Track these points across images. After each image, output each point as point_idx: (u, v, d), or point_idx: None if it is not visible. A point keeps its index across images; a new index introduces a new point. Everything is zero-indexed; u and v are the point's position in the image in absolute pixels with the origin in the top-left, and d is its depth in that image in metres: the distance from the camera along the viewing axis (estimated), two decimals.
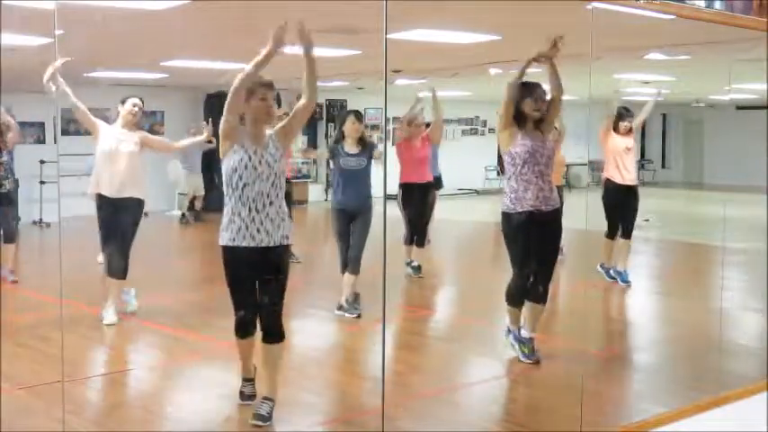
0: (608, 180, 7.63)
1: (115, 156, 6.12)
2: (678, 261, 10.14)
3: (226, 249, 4.05)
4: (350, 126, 6.44)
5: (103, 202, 6.15)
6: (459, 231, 11.64)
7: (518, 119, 5.11)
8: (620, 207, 7.63)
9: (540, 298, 5.20)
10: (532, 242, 5.11)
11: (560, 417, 4.38)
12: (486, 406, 4.77)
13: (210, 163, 12.25)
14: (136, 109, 6.27)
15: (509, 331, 5.30)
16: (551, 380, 5.12)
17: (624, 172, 7.54)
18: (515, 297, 5.24)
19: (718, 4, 4.75)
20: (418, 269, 7.97)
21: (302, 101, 4.19)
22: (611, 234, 7.74)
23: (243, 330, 4.19)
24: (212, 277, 8.59)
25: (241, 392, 4.37)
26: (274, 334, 4.14)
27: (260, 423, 4.08)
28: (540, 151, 5.07)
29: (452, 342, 6.11)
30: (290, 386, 4.92)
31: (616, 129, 7.59)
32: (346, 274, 6.42)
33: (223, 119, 4.02)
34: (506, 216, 5.13)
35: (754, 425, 4.20)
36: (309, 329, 6.30)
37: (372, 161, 6.48)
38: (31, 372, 4.95)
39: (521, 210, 5.05)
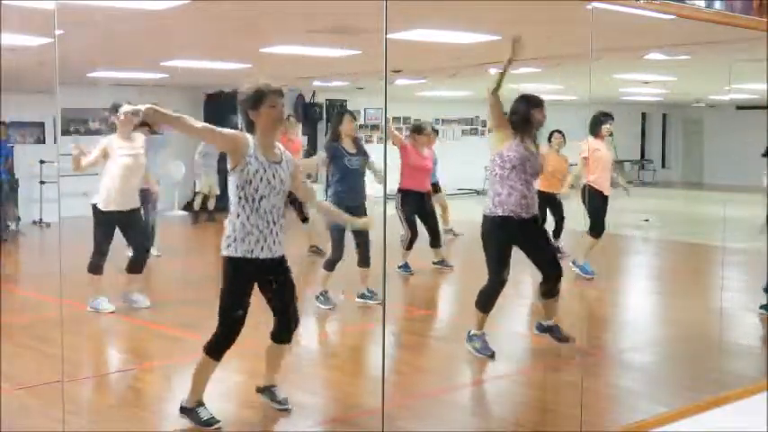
0: (593, 186, 7.70)
1: (130, 171, 6.32)
2: (678, 261, 10.13)
3: (239, 261, 3.97)
4: (347, 126, 6.60)
5: (115, 215, 6.31)
6: (459, 231, 11.62)
7: (523, 125, 5.16)
8: (601, 209, 7.84)
9: (554, 294, 5.34)
10: (520, 247, 5.23)
11: (560, 417, 4.38)
12: (486, 406, 4.78)
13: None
14: (130, 116, 6.30)
15: (473, 337, 5.29)
16: (551, 380, 5.12)
17: (607, 179, 7.79)
18: (487, 303, 5.26)
19: (718, 4, 4.75)
20: (443, 263, 8.34)
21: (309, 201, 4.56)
22: (599, 234, 7.84)
23: (223, 350, 4.05)
24: (213, 277, 8.59)
25: (195, 414, 4.07)
26: (290, 337, 4.22)
27: (289, 406, 4.27)
28: (530, 161, 5.13)
29: (452, 342, 6.10)
30: (290, 386, 4.92)
31: (597, 134, 7.72)
32: (362, 268, 6.68)
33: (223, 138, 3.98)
34: (486, 219, 5.20)
35: (754, 425, 4.20)
36: (309, 329, 6.30)
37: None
38: (31, 372, 4.95)
39: (501, 213, 5.11)
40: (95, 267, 6.35)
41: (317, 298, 6.59)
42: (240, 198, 3.95)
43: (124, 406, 4.64)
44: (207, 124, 3.99)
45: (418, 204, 8.04)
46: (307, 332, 6.25)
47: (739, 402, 4.44)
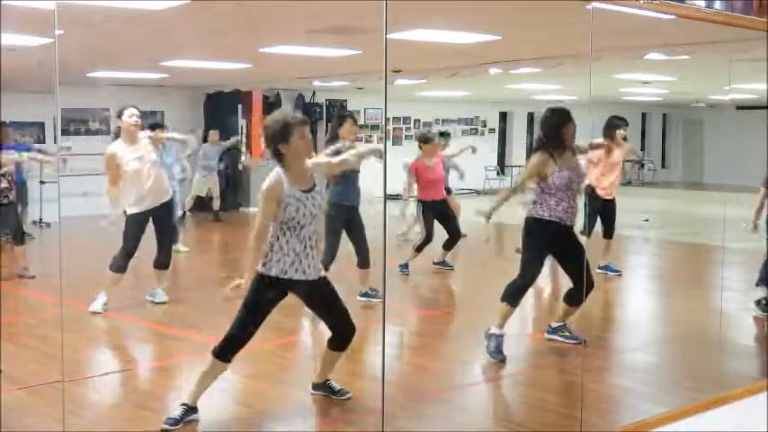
0: (595, 189, 7.70)
1: (142, 174, 6.36)
2: (678, 261, 10.14)
3: (271, 279, 4.03)
4: (348, 129, 6.58)
5: (140, 216, 6.43)
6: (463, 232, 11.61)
7: (557, 146, 5.20)
8: (603, 212, 7.87)
9: (580, 302, 5.45)
10: (555, 252, 5.41)
11: (560, 417, 4.38)
12: (486, 406, 4.78)
13: (227, 163, 12.56)
14: (134, 119, 6.39)
15: (491, 336, 5.24)
16: (551, 380, 5.12)
17: (610, 183, 7.76)
18: (516, 297, 5.29)
19: (718, 4, 4.74)
20: (444, 263, 8.43)
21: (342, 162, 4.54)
22: (610, 235, 7.99)
23: (233, 352, 4.07)
24: (215, 277, 8.60)
25: (175, 419, 4.01)
26: (346, 346, 4.34)
27: (349, 394, 4.43)
28: (575, 180, 5.26)
29: (452, 342, 6.11)
30: (289, 385, 4.92)
31: (612, 138, 7.70)
32: (362, 269, 6.72)
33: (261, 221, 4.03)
34: (533, 220, 5.28)
35: (754, 425, 4.20)
36: (309, 329, 6.30)
37: None
38: (31, 372, 4.95)
39: (548, 218, 5.20)
40: (119, 267, 6.40)
41: (365, 294, 6.68)
42: (282, 226, 4.02)
43: (124, 406, 4.64)
44: (260, 219, 4.01)
45: (437, 211, 8.15)
46: (307, 331, 6.26)
47: (739, 402, 4.43)
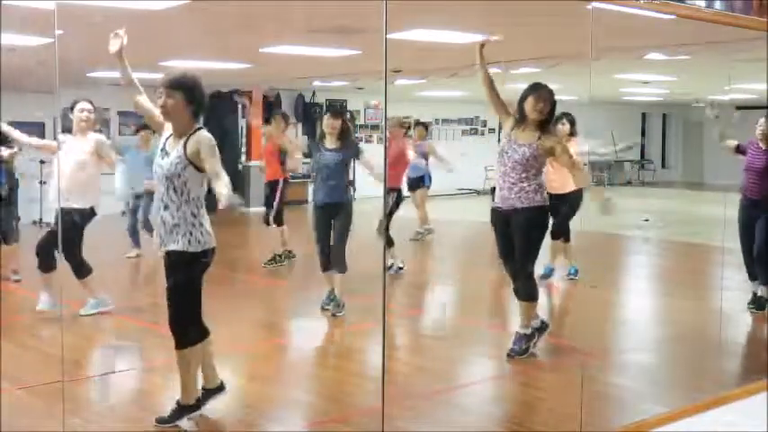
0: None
1: (63, 166, 6.00)
2: (678, 261, 10.14)
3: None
4: (325, 122, 6.47)
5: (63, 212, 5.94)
6: (458, 231, 11.62)
7: (521, 114, 5.21)
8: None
9: (519, 295, 5.22)
10: (504, 239, 5.22)
11: (560, 417, 4.38)
12: (486, 406, 4.77)
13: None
14: (85, 114, 6.12)
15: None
16: (551, 380, 5.12)
17: (559, 179, 7.14)
18: (514, 291, 5.32)
19: (718, 4, 4.75)
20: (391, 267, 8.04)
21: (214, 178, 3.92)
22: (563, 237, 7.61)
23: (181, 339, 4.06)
24: (214, 277, 8.60)
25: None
26: (175, 342, 4.07)
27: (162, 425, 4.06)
28: (508, 153, 5.12)
29: (452, 342, 6.11)
30: (289, 386, 4.92)
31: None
32: (334, 273, 6.35)
33: None
34: None
35: (754, 425, 4.20)
36: (309, 329, 6.30)
37: (353, 158, 6.53)
38: (31, 372, 4.95)
39: (492, 206, 5.26)
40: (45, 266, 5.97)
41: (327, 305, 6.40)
42: None
43: (124, 406, 4.64)
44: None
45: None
46: (306, 332, 6.26)
47: (739, 402, 4.44)
